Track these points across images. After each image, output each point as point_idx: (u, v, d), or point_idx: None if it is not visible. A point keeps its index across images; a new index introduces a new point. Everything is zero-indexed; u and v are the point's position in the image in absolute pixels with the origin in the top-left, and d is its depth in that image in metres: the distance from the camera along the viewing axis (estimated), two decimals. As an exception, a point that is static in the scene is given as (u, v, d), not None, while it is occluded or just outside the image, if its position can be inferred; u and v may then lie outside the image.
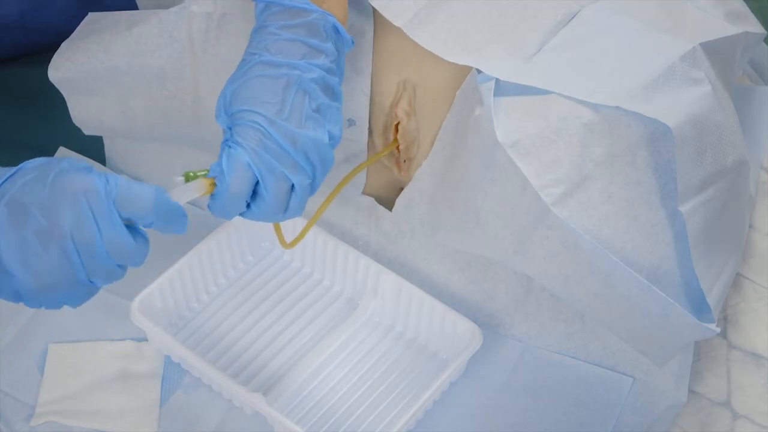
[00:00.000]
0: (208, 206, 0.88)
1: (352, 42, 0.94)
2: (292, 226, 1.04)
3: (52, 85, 1.08)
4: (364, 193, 1.10)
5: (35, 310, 1.06)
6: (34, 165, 0.81)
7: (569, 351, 1.06)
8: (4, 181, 0.80)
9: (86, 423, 1.00)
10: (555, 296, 1.04)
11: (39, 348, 1.04)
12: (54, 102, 1.11)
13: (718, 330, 0.95)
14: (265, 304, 1.08)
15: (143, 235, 0.83)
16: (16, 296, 0.81)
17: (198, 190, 0.86)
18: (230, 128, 0.88)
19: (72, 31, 1.06)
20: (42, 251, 0.79)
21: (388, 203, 1.09)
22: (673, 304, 0.93)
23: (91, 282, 0.81)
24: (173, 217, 0.84)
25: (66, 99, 1.09)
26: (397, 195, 1.07)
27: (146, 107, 1.08)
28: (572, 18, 0.98)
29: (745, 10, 1.07)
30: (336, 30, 0.92)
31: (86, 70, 1.06)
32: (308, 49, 0.90)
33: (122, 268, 0.83)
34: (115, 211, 0.80)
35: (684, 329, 0.95)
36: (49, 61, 1.06)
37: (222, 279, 1.10)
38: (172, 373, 1.04)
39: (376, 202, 1.10)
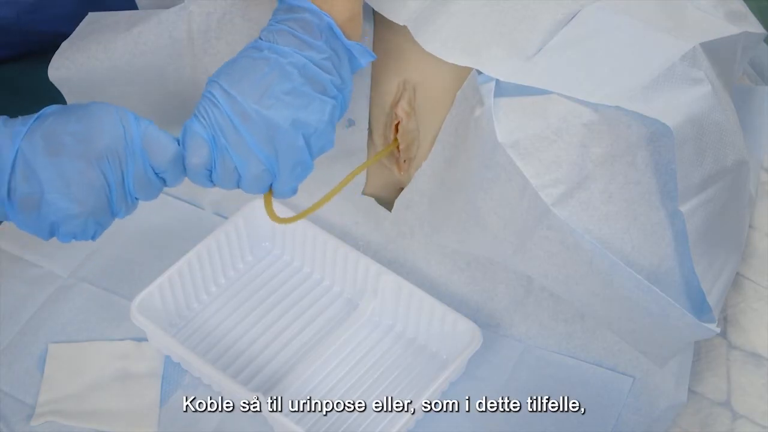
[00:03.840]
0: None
1: (364, 50, 0.93)
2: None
3: (52, 85, 1.08)
4: (364, 193, 1.10)
5: (35, 310, 1.06)
6: (57, 107, 0.86)
7: (569, 351, 1.06)
8: (34, 120, 0.84)
9: (86, 423, 1.00)
10: (555, 296, 1.04)
11: (39, 348, 1.04)
12: (54, 102, 1.10)
13: (718, 330, 0.95)
14: (265, 304, 1.08)
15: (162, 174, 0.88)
16: (51, 229, 0.86)
17: None
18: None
19: (71, 32, 1.06)
20: (80, 176, 0.83)
21: (388, 203, 1.09)
22: (673, 304, 0.93)
23: (115, 213, 0.87)
24: (180, 174, 0.88)
25: (66, 99, 1.09)
26: (397, 195, 1.07)
27: (146, 107, 1.08)
28: (572, 18, 0.98)
29: (745, 10, 1.07)
30: (331, 30, 0.91)
31: (86, 70, 1.06)
32: (297, 42, 0.89)
33: (136, 200, 0.88)
34: (145, 151, 0.85)
35: (684, 329, 0.95)
36: (49, 61, 1.06)
37: (222, 279, 1.10)
38: (172, 373, 1.04)
39: (376, 202, 1.10)
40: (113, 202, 0.86)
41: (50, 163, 0.83)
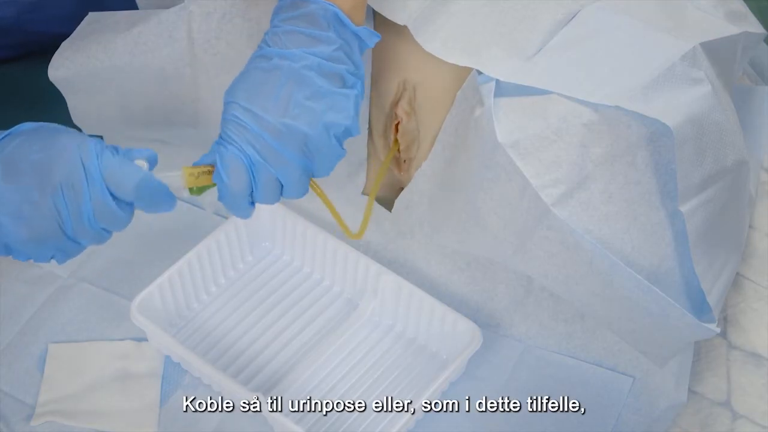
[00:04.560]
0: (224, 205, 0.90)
1: (370, 32, 0.92)
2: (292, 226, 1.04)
3: (52, 85, 1.08)
4: (364, 193, 1.10)
5: (35, 310, 1.06)
6: (28, 126, 0.85)
7: (569, 351, 1.06)
8: (1, 139, 0.84)
9: (86, 423, 1.00)
10: (555, 296, 1.04)
11: (39, 348, 1.04)
12: (54, 102, 1.11)
13: (718, 330, 0.95)
14: (265, 304, 1.08)
15: (130, 204, 0.86)
16: (6, 249, 0.85)
17: (182, 180, 0.88)
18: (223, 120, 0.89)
19: (70, 32, 1.06)
20: (32, 205, 0.82)
21: (388, 203, 1.09)
22: (673, 305, 0.93)
23: (77, 241, 0.85)
24: (157, 198, 0.86)
25: (66, 99, 1.09)
26: (397, 195, 1.07)
27: (146, 107, 1.08)
28: (572, 18, 0.98)
29: (745, 10, 1.07)
30: (338, 19, 0.91)
31: (86, 69, 1.06)
32: (306, 39, 0.89)
33: (107, 231, 0.86)
34: (104, 182, 0.83)
35: (684, 329, 0.95)
36: (49, 61, 1.06)
37: (222, 279, 1.10)
38: (172, 373, 1.04)
39: (376, 202, 1.10)
40: (69, 232, 0.84)
41: (5, 188, 0.82)
